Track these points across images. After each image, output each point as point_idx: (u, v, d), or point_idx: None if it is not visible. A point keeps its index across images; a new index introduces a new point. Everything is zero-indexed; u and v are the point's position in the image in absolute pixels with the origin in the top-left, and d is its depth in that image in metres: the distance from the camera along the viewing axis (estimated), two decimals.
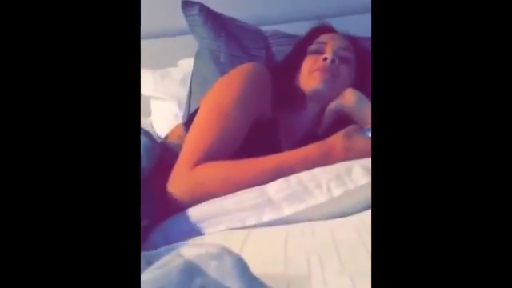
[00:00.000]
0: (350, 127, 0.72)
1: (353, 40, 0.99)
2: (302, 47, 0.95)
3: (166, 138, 0.87)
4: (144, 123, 1.28)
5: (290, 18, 1.37)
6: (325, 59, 0.88)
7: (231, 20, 1.18)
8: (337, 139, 0.70)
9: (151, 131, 1.23)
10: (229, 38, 1.13)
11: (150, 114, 1.31)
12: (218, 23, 1.14)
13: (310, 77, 0.88)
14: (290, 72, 0.91)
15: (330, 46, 0.92)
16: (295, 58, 0.93)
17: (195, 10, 1.14)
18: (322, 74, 0.86)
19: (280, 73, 0.90)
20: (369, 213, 0.59)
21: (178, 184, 0.69)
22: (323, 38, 0.95)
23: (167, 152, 0.79)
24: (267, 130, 0.82)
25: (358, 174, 0.62)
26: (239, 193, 0.65)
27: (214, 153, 0.71)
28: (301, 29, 1.06)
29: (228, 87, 0.79)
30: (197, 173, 0.69)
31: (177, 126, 0.90)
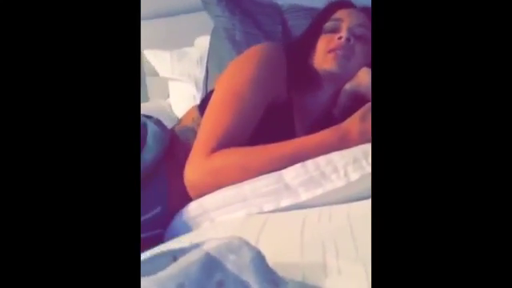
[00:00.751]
0: (365, 108, 0.71)
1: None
2: (317, 25, 0.92)
3: (180, 121, 0.87)
4: (162, 105, 1.30)
5: None
6: (339, 38, 0.85)
7: None
8: (352, 122, 0.69)
9: (170, 113, 1.25)
10: (244, 16, 1.11)
11: (168, 96, 1.33)
12: (232, 1, 1.12)
13: (324, 57, 0.86)
14: (306, 51, 0.89)
15: (345, 23, 0.89)
16: (311, 37, 0.91)
17: None
18: (336, 55, 0.84)
19: (295, 52, 0.88)
20: None
21: (195, 171, 0.70)
22: (339, 14, 0.91)
23: (179, 138, 0.79)
24: (282, 111, 0.82)
25: None
26: (256, 179, 0.66)
27: (230, 138, 0.71)
28: (319, 1, 1.03)
29: (242, 69, 0.78)
30: (214, 160, 0.69)
31: (192, 109, 0.89)
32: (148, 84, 1.44)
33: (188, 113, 0.88)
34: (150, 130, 0.76)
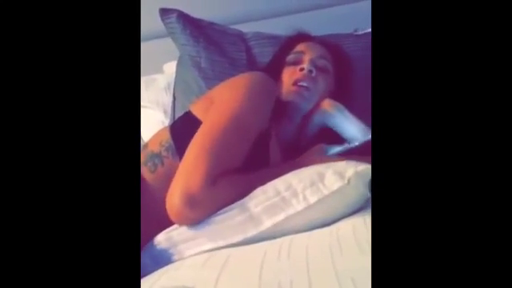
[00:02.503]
0: (317, 148, 0.76)
1: (331, 46, 0.99)
2: (280, 57, 0.97)
3: (145, 146, 0.82)
4: None
5: (288, 9, 1.36)
6: (301, 70, 0.89)
7: (210, 25, 1.18)
8: (305, 161, 0.74)
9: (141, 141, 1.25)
10: (208, 44, 1.13)
11: None
12: (196, 29, 1.14)
13: (289, 89, 0.89)
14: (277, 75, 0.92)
15: (307, 55, 0.93)
16: (275, 69, 0.95)
17: (173, 18, 1.13)
18: (300, 87, 0.88)
19: None
20: (342, 225, 0.62)
21: (197, 200, 0.65)
22: (301, 46, 0.96)
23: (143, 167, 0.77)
24: (261, 140, 0.81)
25: (331, 180, 0.64)
26: (223, 210, 0.66)
27: (232, 164, 0.70)
28: (283, 29, 1.06)
29: (239, 95, 0.77)
30: (216, 190, 0.66)
31: (161, 131, 0.85)
32: None
33: (155, 136, 0.84)
34: None
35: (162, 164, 0.76)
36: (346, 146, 0.79)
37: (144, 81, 1.29)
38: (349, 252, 0.53)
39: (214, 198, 0.66)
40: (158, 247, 0.67)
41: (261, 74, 0.85)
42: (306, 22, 1.06)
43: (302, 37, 0.99)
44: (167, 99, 1.23)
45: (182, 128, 0.79)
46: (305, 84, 0.88)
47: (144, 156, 0.79)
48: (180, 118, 0.86)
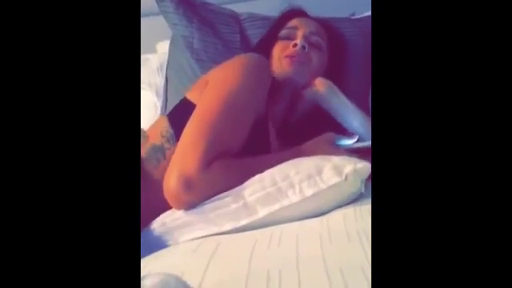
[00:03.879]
0: (324, 136, 0.75)
1: (326, 24, 0.97)
2: (273, 32, 0.94)
3: (147, 138, 0.79)
4: None
5: None
6: (294, 45, 0.87)
7: (204, 4, 1.15)
8: (309, 146, 0.73)
9: None
10: (201, 24, 1.10)
11: None
12: (190, 9, 1.11)
13: (280, 63, 0.87)
14: (265, 57, 0.88)
15: (300, 31, 0.91)
16: (266, 44, 0.93)
17: None
18: (292, 60, 0.86)
19: None
20: (333, 215, 0.62)
21: (192, 183, 0.65)
22: (294, 22, 0.93)
23: (148, 163, 0.75)
24: (260, 122, 0.80)
25: (329, 174, 0.64)
26: (216, 197, 0.66)
27: (226, 148, 0.69)
28: (277, 10, 1.04)
29: (234, 78, 0.76)
30: (214, 171, 0.66)
31: (159, 120, 0.84)
32: None
33: (155, 127, 0.82)
34: None
35: (165, 158, 0.74)
36: (354, 141, 0.75)
37: None
38: (338, 241, 0.54)
39: (209, 180, 0.65)
40: (154, 233, 0.68)
41: (256, 55, 0.83)
42: (302, 4, 1.03)
43: (295, 13, 0.96)
44: (160, 80, 1.21)
45: (180, 115, 0.77)
46: (297, 59, 0.86)
47: (145, 150, 0.76)
48: (177, 105, 0.84)
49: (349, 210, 0.62)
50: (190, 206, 0.66)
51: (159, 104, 1.19)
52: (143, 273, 0.47)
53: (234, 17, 1.14)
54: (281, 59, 0.87)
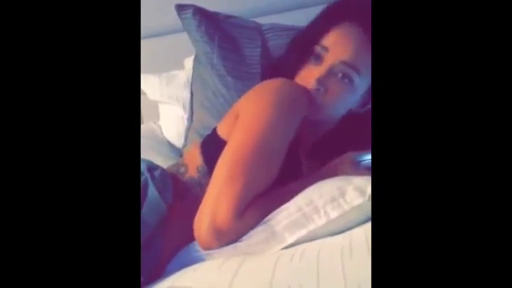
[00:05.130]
0: (345, 157, 0.74)
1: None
2: (305, 45, 0.80)
3: (186, 169, 0.79)
4: (153, 128, 1.32)
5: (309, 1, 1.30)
6: (311, 81, 0.76)
7: (227, 18, 1.17)
8: (334, 171, 0.73)
9: (160, 136, 1.27)
10: (222, 40, 1.12)
11: (158, 119, 1.34)
12: (212, 25, 1.13)
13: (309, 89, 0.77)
14: (292, 71, 0.81)
15: (330, 56, 0.76)
16: (294, 59, 0.82)
17: (189, 14, 1.13)
18: (310, 98, 0.76)
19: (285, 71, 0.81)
20: (355, 230, 0.62)
21: (224, 235, 0.64)
22: (332, 37, 0.77)
23: (188, 191, 0.75)
24: (292, 151, 0.75)
25: (352, 196, 0.64)
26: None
27: (258, 192, 0.68)
28: (301, 20, 1.01)
29: (264, 112, 0.70)
30: (244, 222, 0.65)
31: (192, 151, 0.81)
32: (142, 106, 1.46)
33: (191, 156, 0.80)
34: (151, 195, 0.70)
35: (203, 191, 0.72)
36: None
37: (165, 77, 1.30)
38: (359, 256, 0.54)
39: (241, 229, 0.65)
40: (188, 253, 0.69)
41: (286, 81, 0.76)
42: None
43: (338, 16, 0.78)
44: (186, 94, 1.23)
45: (212, 150, 0.75)
46: (313, 95, 0.76)
47: (185, 180, 0.77)
48: (208, 137, 0.81)
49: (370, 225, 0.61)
50: (218, 248, 0.66)
51: (185, 116, 1.21)
52: None
53: (257, 28, 1.15)
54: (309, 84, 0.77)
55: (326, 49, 0.78)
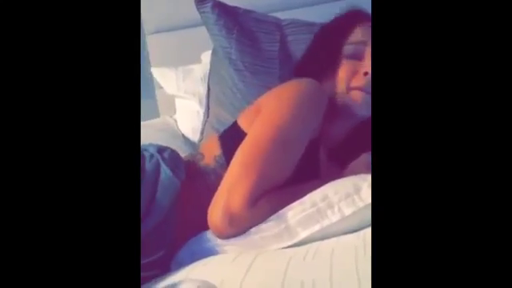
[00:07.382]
0: (361, 159, 0.73)
1: None
2: (335, 46, 0.81)
3: (202, 157, 0.80)
4: (169, 121, 1.32)
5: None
6: (366, 73, 0.77)
7: (247, 12, 1.16)
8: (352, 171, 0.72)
9: (175, 129, 1.27)
10: (241, 35, 1.11)
11: (175, 112, 1.34)
12: (231, 19, 1.12)
13: (347, 91, 0.79)
14: (325, 78, 0.81)
15: (370, 48, 0.77)
16: (331, 63, 0.81)
17: (208, 7, 1.12)
18: (362, 95, 0.77)
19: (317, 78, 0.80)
20: (369, 231, 0.60)
21: (237, 222, 0.65)
22: (359, 34, 0.79)
23: (202, 177, 0.75)
24: (311, 150, 0.76)
25: (367, 192, 0.63)
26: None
27: (274, 183, 0.68)
28: (320, 16, 1.00)
29: (284, 109, 0.72)
30: (257, 210, 0.65)
31: (211, 141, 0.83)
32: (158, 99, 1.46)
33: (208, 147, 0.81)
34: (163, 175, 0.70)
35: (217, 180, 0.72)
36: None
37: (181, 71, 1.30)
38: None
39: (254, 217, 0.65)
40: (200, 244, 0.68)
41: (311, 81, 0.77)
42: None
43: (359, 15, 0.81)
44: (203, 89, 1.23)
45: (231, 141, 0.76)
46: (369, 90, 0.76)
47: (199, 166, 0.77)
48: (228, 129, 0.82)
49: None
50: (232, 237, 0.66)
51: (201, 111, 1.21)
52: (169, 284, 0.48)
53: (276, 24, 1.14)
54: (348, 87, 0.79)
55: (361, 42, 0.79)
